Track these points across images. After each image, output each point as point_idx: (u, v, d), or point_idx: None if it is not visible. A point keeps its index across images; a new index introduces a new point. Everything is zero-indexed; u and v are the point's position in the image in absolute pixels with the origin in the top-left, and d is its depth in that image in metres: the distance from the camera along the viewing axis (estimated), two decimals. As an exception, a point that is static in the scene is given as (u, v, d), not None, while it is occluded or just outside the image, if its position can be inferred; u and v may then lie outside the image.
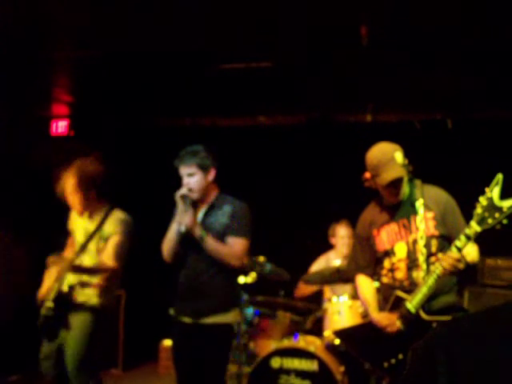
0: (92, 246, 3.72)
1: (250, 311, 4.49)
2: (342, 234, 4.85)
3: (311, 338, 4.28)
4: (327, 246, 5.05)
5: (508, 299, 4.40)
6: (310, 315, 4.63)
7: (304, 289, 4.92)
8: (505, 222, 2.59)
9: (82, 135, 6.06)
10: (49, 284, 3.68)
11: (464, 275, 3.02)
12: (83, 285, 3.65)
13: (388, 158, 2.96)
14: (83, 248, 3.70)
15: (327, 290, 4.85)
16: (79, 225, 3.83)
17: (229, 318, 3.27)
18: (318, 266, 4.93)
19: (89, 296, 3.64)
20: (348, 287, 4.60)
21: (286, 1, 3.38)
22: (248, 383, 4.08)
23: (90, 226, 3.76)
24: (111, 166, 4.50)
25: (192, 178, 3.37)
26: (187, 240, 3.32)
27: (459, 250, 2.70)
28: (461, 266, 2.73)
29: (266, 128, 5.88)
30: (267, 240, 4.30)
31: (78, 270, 3.65)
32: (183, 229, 3.30)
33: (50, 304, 3.56)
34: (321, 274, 4.56)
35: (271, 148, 5.75)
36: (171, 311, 3.45)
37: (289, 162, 5.70)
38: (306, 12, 3.46)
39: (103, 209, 3.79)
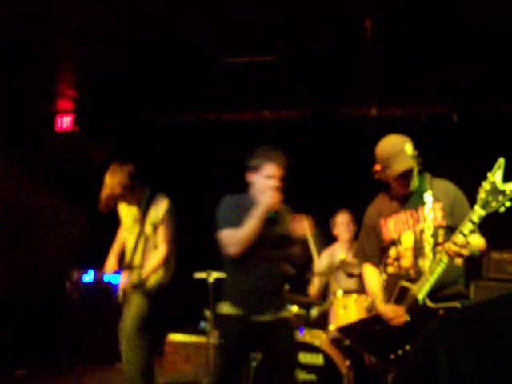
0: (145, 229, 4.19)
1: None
2: (340, 221, 4.93)
3: (316, 332, 4.28)
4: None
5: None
6: (315, 309, 4.62)
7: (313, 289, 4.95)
8: (508, 204, 2.61)
9: (86, 131, 6.06)
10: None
11: (471, 264, 3.03)
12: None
13: (398, 149, 2.97)
14: (139, 236, 4.15)
15: (333, 284, 4.85)
16: (126, 212, 4.28)
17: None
18: (322, 260, 4.93)
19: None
20: (352, 281, 4.60)
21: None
22: (253, 378, 4.07)
23: (138, 211, 4.20)
24: (116, 162, 4.52)
25: (281, 183, 3.43)
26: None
27: (464, 235, 2.71)
28: (465, 252, 2.73)
29: (270, 122, 5.88)
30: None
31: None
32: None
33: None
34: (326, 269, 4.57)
35: (276, 142, 5.74)
36: (240, 311, 3.40)
37: (293, 157, 5.69)
38: (311, 5, 3.45)
39: (146, 194, 4.21)
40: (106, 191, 4.04)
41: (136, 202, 4.19)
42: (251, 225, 3.32)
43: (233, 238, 3.33)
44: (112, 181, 4.03)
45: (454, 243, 2.72)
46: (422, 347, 1.16)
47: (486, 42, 3.88)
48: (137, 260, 4.16)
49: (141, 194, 4.19)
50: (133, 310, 4.11)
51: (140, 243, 4.16)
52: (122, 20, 3.78)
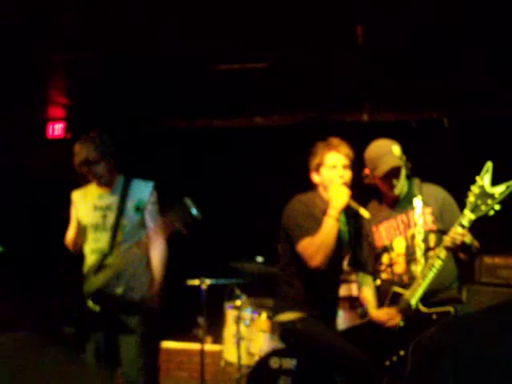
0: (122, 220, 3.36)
1: (248, 312, 4.48)
2: None
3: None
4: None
5: (506, 297, 4.40)
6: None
7: None
8: (497, 207, 2.64)
9: (78, 138, 6.05)
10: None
11: (463, 268, 3.04)
12: None
13: (386, 150, 3.01)
14: (117, 226, 3.34)
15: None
16: (91, 201, 3.45)
17: None
18: None
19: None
20: (344, 287, 4.60)
21: (282, 1, 3.38)
22: (247, 384, 4.06)
23: (112, 199, 3.40)
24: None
25: (347, 172, 3.07)
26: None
27: (463, 227, 2.73)
28: (466, 239, 2.73)
29: (262, 128, 5.88)
30: (266, 240, 4.29)
31: None
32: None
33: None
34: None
35: (268, 149, 5.75)
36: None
37: (286, 163, 5.70)
38: (302, 12, 3.46)
39: (120, 179, 3.46)
40: (77, 159, 3.33)
41: (108, 184, 3.42)
42: (328, 227, 2.89)
43: (312, 248, 2.89)
44: (83, 147, 3.33)
45: (454, 233, 2.72)
46: (429, 351, 1.16)
47: (477, 48, 3.90)
48: (116, 262, 3.29)
49: (114, 176, 3.43)
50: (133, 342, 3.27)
51: (118, 239, 3.32)
52: (114, 26, 3.78)
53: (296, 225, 3.02)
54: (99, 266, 3.31)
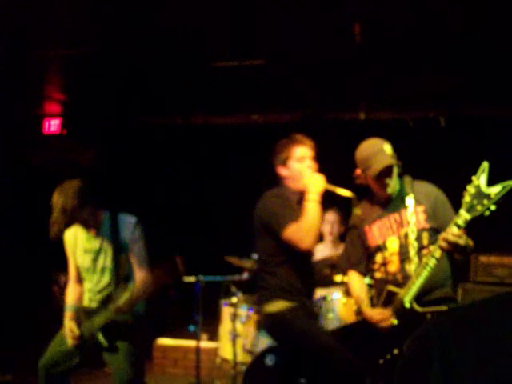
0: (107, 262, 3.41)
1: (244, 309, 4.49)
2: (328, 219, 4.85)
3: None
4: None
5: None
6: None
7: None
8: (493, 208, 2.63)
9: (74, 134, 6.05)
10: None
11: (459, 267, 3.04)
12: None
13: (377, 149, 3.01)
14: (104, 269, 3.41)
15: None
16: (81, 245, 3.48)
17: None
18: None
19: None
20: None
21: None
22: (243, 381, 4.07)
23: (99, 241, 3.41)
24: (103, 165, 4.44)
25: (314, 163, 3.26)
26: None
27: (459, 227, 2.72)
28: (461, 241, 2.73)
29: (258, 126, 5.89)
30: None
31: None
32: None
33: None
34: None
35: (264, 146, 5.75)
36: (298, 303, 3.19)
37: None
38: (300, 10, 3.46)
39: (105, 219, 3.42)
40: (55, 214, 3.20)
41: (95, 227, 3.39)
42: (312, 211, 3.07)
43: (301, 232, 3.04)
44: (60, 200, 3.19)
45: (449, 234, 2.71)
46: (418, 342, 1.17)
47: (473, 47, 3.91)
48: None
49: (99, 217, 3.39)
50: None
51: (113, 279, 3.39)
52: (110, 23, 3.77)
53: (277, 215, 3.14)
54: (103, 303, 3.40)
